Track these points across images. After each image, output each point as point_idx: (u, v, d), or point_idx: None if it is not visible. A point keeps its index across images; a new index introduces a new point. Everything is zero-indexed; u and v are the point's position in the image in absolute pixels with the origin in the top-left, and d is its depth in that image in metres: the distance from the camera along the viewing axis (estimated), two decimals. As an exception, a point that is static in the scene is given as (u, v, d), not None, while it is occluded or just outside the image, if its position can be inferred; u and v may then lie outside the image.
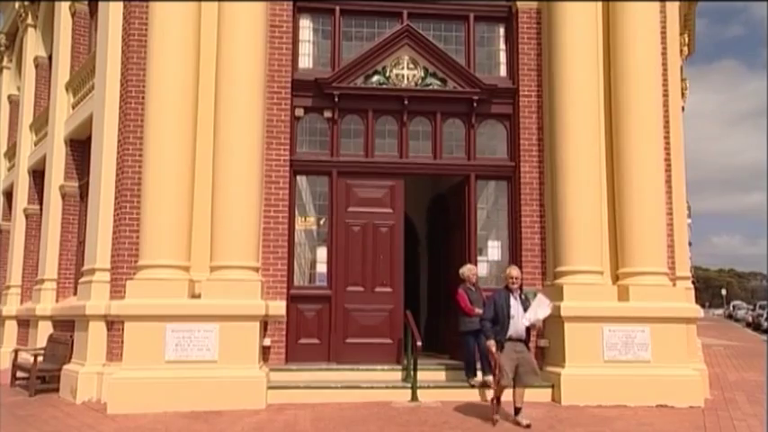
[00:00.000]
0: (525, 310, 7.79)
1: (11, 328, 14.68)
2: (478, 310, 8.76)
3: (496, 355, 7.70)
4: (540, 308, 7.83)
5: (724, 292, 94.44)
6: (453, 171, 10.74)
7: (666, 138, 10.18)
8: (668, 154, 10.23)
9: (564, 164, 9.70)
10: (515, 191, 10.36)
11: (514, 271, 8.02)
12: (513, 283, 7.90)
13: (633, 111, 9.69)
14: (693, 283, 11.60)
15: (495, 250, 10.58)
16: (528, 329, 7.84)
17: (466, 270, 9.57)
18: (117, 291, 9.31)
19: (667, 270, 9.73)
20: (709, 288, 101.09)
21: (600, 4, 10.17)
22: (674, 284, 9.82)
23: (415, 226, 13.37)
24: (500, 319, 7.73)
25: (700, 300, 22.14)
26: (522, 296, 7.96)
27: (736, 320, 53.29)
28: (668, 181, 10.16)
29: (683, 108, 16.67)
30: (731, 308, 67.80)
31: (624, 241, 9.64)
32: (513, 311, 7.72)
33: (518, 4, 10.51)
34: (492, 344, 7.74)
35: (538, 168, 10.26)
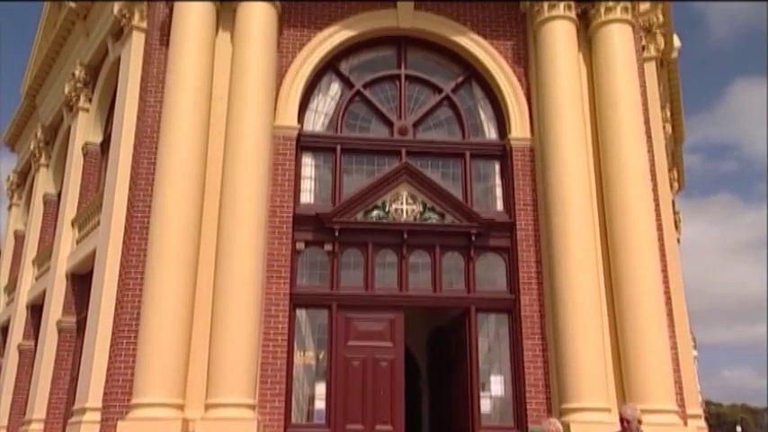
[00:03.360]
0: None
1: (-8, 472, 13.98)
2: None
3: None
4: None
5: (739, 429, 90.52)
6: (453, 304, 10.71)
7: (664, 270, 10.25)
8: (667, 286, 10.26)
9: (563, 297, 9.69)
10: (516, 324, 10.27)
11: (638, 412, 6.55)
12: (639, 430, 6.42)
13: (628, 243, 9.83)
14: (706, 419, 11.18)
15: (497, 385, 10.30)
16: None
17: (543, 425, 7.38)
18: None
19: (677, 408, 9.40)
20: (723, 424, 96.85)
21: (590, 140, 10.60)
22: (686, 423, 9.46)
23: (416, 359, 13.11)
24: None
25: (714, 438, 21.15)
26: None
27: (755, 460, 50.66)
28: (669, 314, 10.10)
29: (678, 240, 16.93)
30: (748, 446, 64.67)
31: (630, 376, 9.41)
32: None
33: (512, 142, 10.98)
34: None
35: (538, 301, 10.23)
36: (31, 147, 16.96)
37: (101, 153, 13.32)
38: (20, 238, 17.88)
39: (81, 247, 12.27)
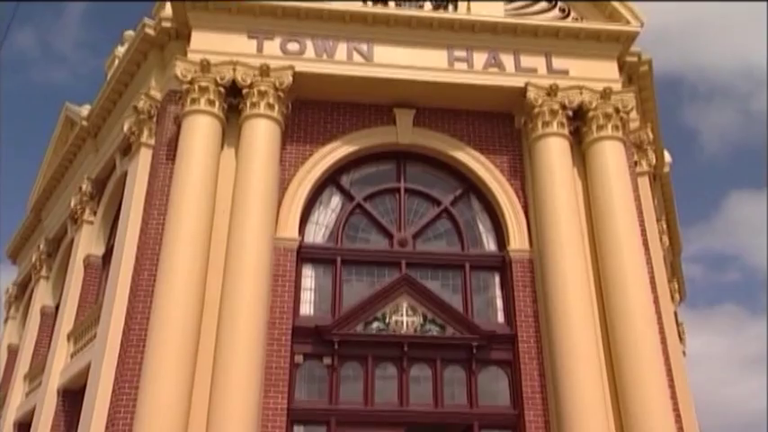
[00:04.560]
0: None
1: None
2: None
3: None
4: None
5: None
6: (455, 420, 10.36)
7: (672, 385, 9.98)
8: (676, 402, 9.96)
9: (569, 412, 9.38)
10: (522, 441, 9.88)
11: None
12: None
13: (632, 355, 9.64)
14: None
15: None
16: None
17: None
18: None
19: None
20: None
21: (588, 253, 10.67)
22: None
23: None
24: None
25: None
26: None
27: None
28: (680, 430, 9.73)
29: (684, 352, 16.62)
30: None
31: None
32: None
33: (511, 254, 11.04)
34: None
35: (543, 416, 9.90)
36: (33, 259, 17.04)
37: (102, 265, 13.35)
38: (13, 353, 17.53)
39: (75, 361, 12.02)
